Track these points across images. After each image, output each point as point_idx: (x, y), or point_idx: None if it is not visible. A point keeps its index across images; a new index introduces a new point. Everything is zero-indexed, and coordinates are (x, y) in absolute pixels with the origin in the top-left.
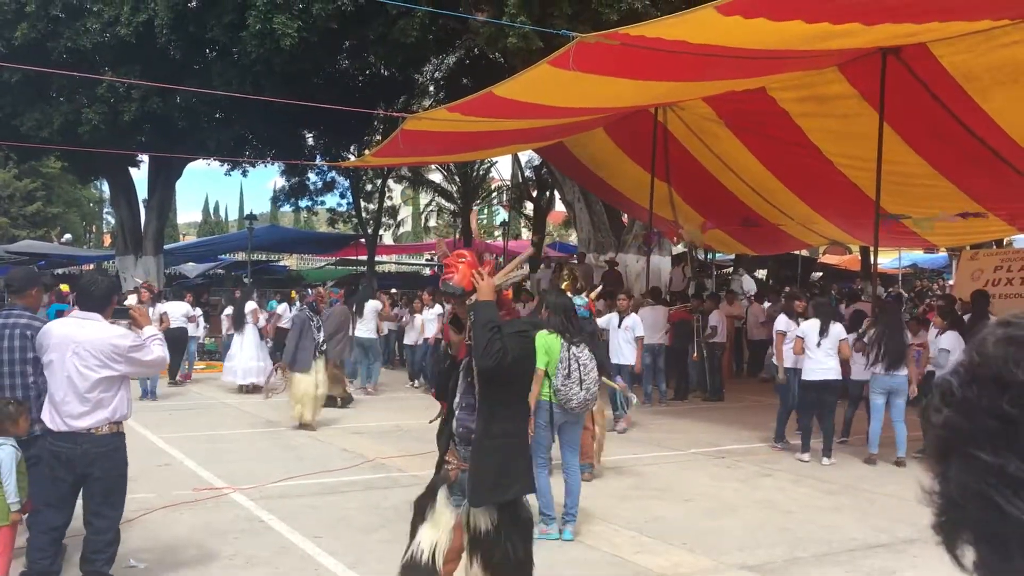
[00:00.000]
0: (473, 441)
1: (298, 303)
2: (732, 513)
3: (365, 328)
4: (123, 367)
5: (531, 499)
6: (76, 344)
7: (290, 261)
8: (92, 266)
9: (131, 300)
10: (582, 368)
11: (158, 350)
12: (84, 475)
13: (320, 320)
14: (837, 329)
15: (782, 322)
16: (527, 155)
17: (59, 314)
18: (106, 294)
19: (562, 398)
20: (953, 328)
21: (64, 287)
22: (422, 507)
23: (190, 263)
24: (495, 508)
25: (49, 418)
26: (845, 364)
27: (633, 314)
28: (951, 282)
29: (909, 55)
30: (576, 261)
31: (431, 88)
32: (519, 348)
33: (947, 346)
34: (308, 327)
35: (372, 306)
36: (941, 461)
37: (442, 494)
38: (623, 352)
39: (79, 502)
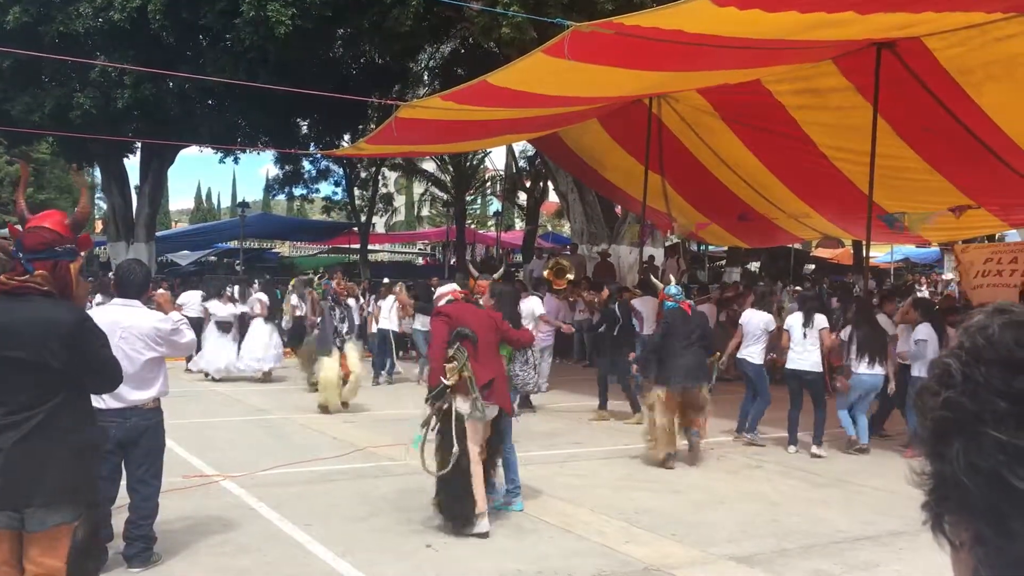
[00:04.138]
0: None
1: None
2: (721, 505)
3: (388, 320)
4: (164, 349)
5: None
6: (123, 329)
7: (283, 248)
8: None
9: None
10: (533, 354)
11: (189, 334)
12: (130, 446)
13: (343, 311)
14: (820, 320)
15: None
16: (521, 145)
17: None
18: (144, 282)
19: (519, 383)
20: (927, 320)
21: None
22: None
23: (184, 251)
24: None
25: (96, 397)
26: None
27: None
28: (945, 276)
29: (903, 49)
30: (569, 252)
31: (425, 77)
32: None
33: (924, 336)
34: (330, 316)
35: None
36: (940, 441)
37: None
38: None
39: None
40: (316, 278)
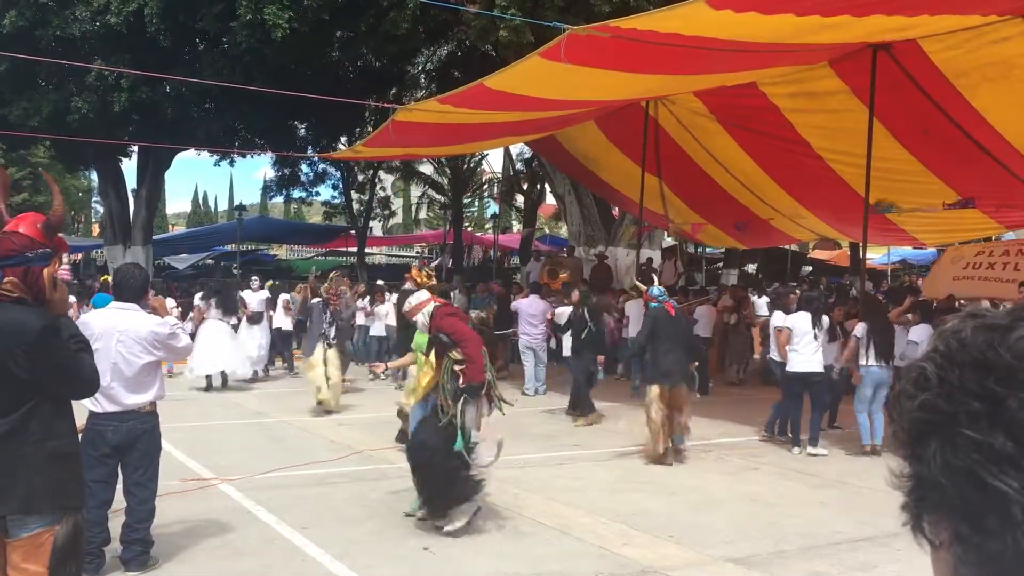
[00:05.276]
0: None
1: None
2: (718, 506)
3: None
4: (161, 352)
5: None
6: (120, 333)
7: (279, 251)
8: (80, 256)
9: None
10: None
11: (185, 338)
12: (127, 450)
13: (331, 314)
14: (826, 321)
15: (779, 318)
16: (518, 148)
17: None
18: (142, 286)
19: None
20: (925, 322)
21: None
22: None
23: (182, 254)
24: None
25: (92, 401)
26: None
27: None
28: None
29: (899, 51)
30: (566, 254)
31: (422, 80)
32: None
33: (916, 338)
34: (319, 317)
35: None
36: (917, 443)
37: None
38: None
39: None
40: (334, 274)
